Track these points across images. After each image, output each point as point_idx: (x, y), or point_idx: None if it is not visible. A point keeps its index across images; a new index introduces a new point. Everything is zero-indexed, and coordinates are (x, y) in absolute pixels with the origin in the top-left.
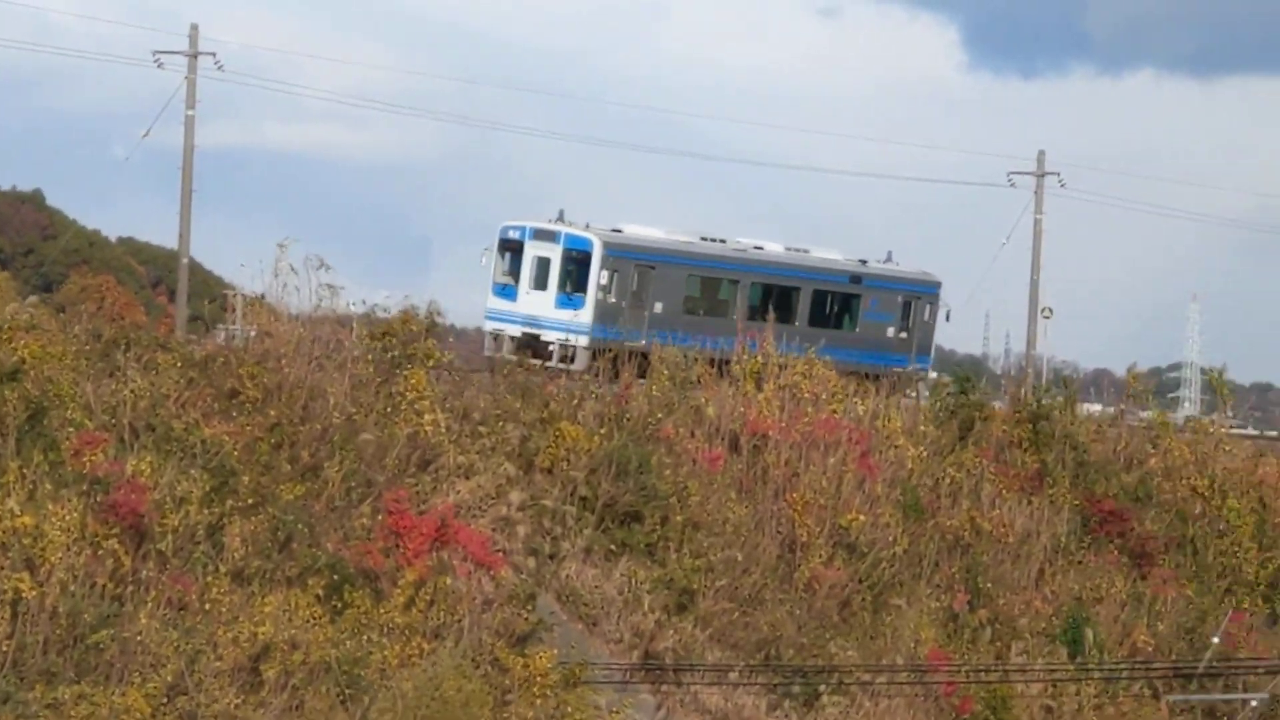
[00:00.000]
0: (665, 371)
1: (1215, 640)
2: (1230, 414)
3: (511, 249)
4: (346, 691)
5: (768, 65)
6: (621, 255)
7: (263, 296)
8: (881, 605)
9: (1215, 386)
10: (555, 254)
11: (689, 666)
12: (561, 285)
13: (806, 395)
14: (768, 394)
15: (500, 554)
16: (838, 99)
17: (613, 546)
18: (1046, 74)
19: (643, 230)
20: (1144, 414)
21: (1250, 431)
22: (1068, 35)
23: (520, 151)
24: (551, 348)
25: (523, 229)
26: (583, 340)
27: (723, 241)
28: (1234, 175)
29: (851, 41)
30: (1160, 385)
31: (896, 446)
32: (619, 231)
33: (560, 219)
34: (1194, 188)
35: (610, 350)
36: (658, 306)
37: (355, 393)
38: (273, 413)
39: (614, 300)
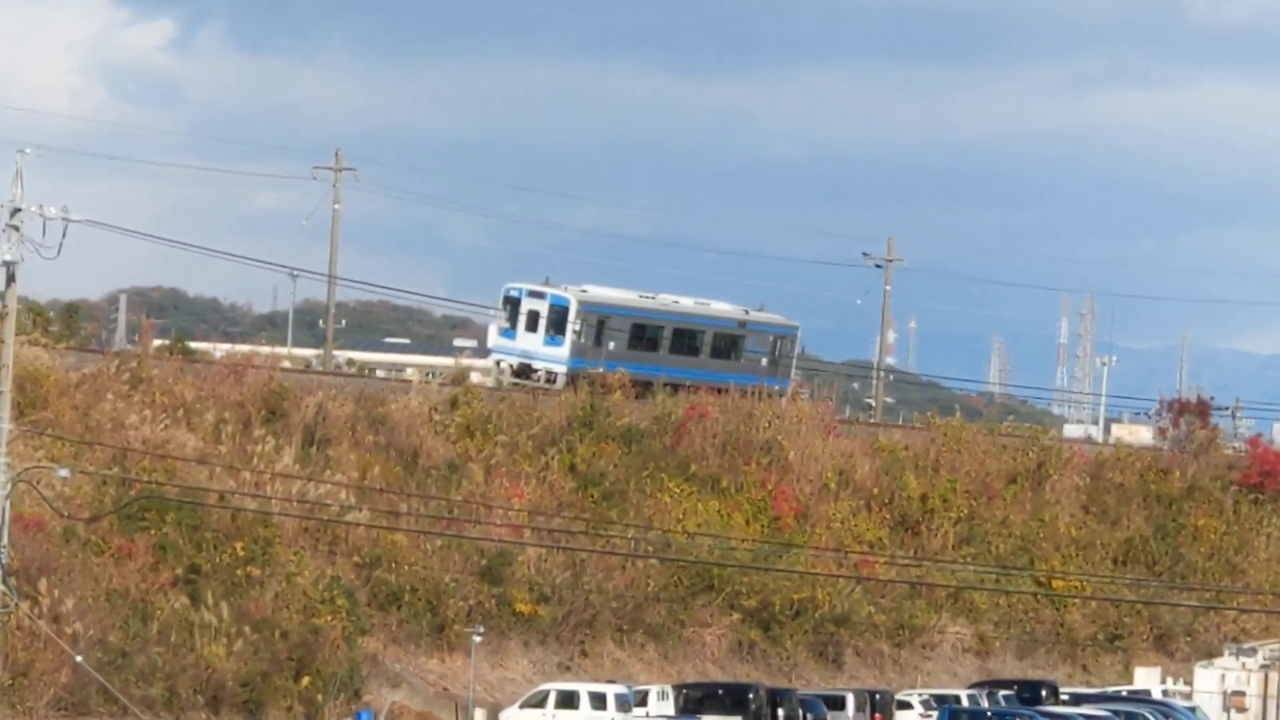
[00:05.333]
0: None
1: None
2: None
3: (511, 303)
4: None
5: None
6: (589, 309)
7: None
8: None
9: None
10: (543, 307)
11: None
12: (548, 330)
13: None
14: None
15: None
16: None
17: None
18: None
19: (601, 290)
20: None
21: None
22: None
23: None
24: (537, 374)
25: (520, 289)
26: (562, 369)
27: (653, 297)
28: None
29: None
30: None
31: None
32: (585, 291)
33: (547, 283)
34: None
35: (580, 375)
36: (611, 345)
37: None
38: None
39: (583, 341)
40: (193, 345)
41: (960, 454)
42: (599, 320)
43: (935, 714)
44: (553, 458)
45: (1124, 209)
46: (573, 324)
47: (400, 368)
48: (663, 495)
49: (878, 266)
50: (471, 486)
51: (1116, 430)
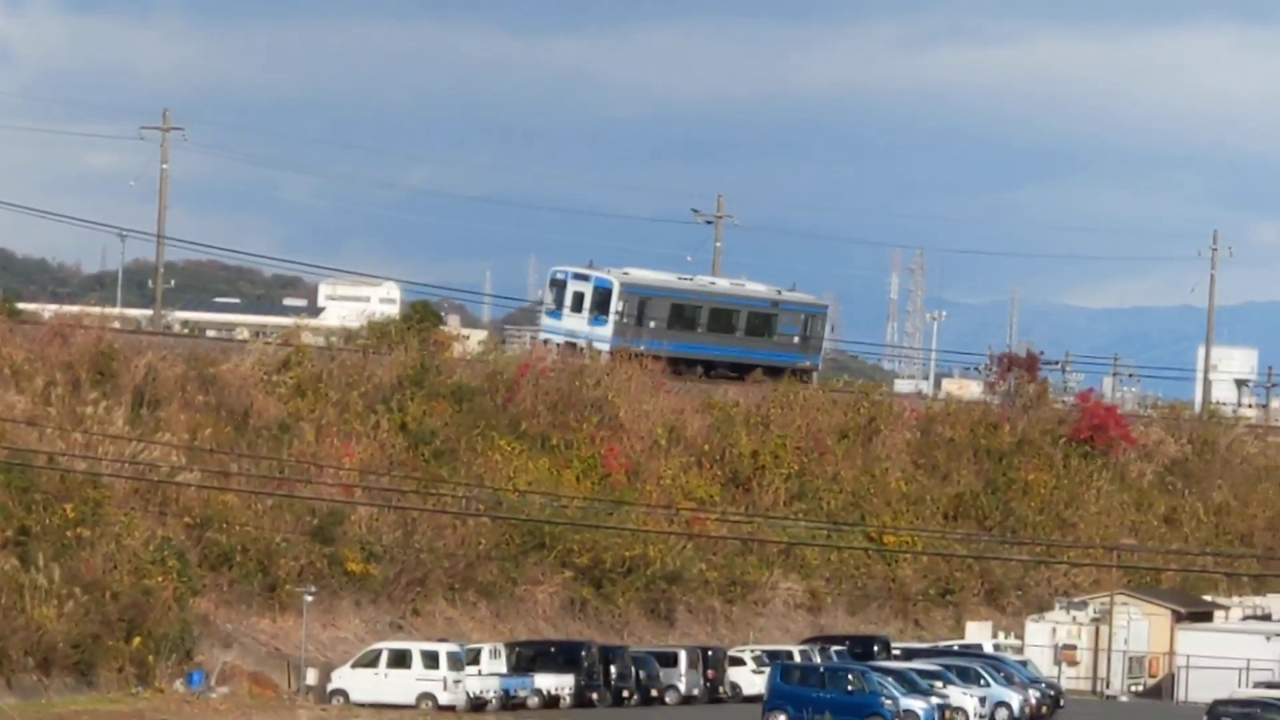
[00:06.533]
0: None
1: None
2: None
3: (558, 285)
4: None
5: None
6: (630, 290)
7: None
8: None
9: None
10: (588, 289)
11: None
12: (592, 310)
13: None
14: None
15: None
16: None
17: None
18: None
19: (642, 272)
20: None
21: None
22: None
23: None
24: (583, 352)
25: (566, 272)
26: (605, 347)
27: (691, 279)
28: None
29: None
30: None
31: None
32: (627, 274)
33: (590, 265)
34: None
35: (622, 353)
36: (651, 324)
37: None
38: None
39: (625, 321)
40: (21, 306)
41: (791, 410)
42: (640, 301)
43: (767, 670)
44: (383, 416)
45: (959, 165)
46: (615, 305)
47: (231, 327)
48: (493, 453)
49: (708, 223)
50: (302, 446)
51: (947, 385)
